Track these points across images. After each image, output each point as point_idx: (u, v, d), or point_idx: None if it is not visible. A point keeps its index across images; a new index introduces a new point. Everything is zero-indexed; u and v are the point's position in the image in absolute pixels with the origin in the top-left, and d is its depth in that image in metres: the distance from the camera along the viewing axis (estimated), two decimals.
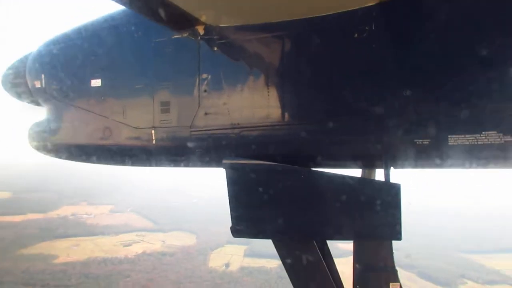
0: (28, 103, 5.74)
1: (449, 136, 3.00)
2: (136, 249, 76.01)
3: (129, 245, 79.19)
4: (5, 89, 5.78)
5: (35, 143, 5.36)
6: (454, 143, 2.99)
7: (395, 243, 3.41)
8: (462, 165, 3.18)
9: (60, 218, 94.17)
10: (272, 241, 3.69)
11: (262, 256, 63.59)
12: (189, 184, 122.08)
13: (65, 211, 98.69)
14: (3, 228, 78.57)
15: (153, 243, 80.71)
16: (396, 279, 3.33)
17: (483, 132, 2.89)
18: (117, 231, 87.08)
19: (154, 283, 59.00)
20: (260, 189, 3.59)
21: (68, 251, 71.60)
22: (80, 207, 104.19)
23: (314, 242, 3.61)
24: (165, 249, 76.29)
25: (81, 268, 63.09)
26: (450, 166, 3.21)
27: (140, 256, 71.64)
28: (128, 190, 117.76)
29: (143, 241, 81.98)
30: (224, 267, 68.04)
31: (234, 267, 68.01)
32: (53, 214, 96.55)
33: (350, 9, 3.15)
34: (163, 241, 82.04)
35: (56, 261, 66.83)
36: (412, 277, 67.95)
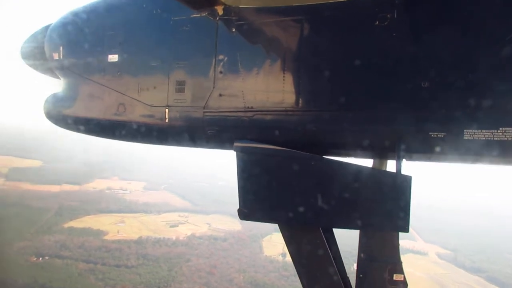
0: (46, 75, 5.64)
1: (465, 130, 2.92)
2: (184, 231, 73.41)
3: (176, 225, 76.81)
4: (24, 60, 5.70)
5: (50, 115, 5.29)
6: (470, 138, 2.91)
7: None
8: (477, 160, 3.13)
9: (97, 192, 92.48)
10: (279, 226, 3.63)
11: None
12: (213, 165, 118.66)
13: (99, 184, 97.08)
14: (46, 199, 76.56)
15: (199, 225, 78.05)
16: (400, 270, 3.25)
17: (500, 128, 2.81)
18: (159, 209, 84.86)
19: (218, 269, 55.85)
20: (270, 173, 3.57)
21: (117, 228, 69.26)
22: (112, 181, 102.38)
23: (320, 230, 3.52)
24: (214, 233, 73.48)
25: (136, 248, 60.41)
26: (464, 160, 3.20)
27: (192, 239, 68.74)
28: (156, 166, 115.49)
29: (187, 222, 79.57)
30: (281, 257, 64.85)
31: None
32: (88, 186, 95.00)
33: None
34: (208, 223, 79.34)
35: (107, 237, 64.64)
36: (481, 281, 64.28)
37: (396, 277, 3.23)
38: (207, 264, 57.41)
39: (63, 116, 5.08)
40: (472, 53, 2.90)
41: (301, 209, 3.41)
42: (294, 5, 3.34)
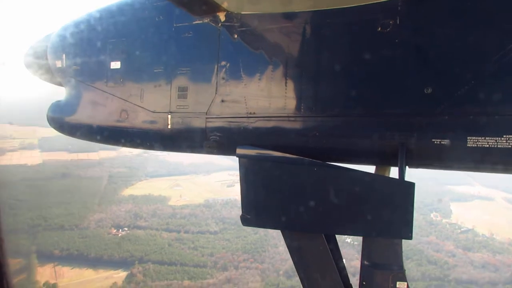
0: (50, 83, 5.73)
1: (468, 138, 2.89)
2: None
3: (232, 185, 73.36)
4: (27, 68, 5.79)
5: (54, 122, 5.32)
6: (473, 145, 2.87)
7: None
8: (480, 168, 3.15)
9: (136, 156, 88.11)
10: (281, 232, 3.64)
11: None
12: None
13: (132, 148, 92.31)
14: (91, 167, 72.80)
15: None
16: (403, 278, 3.23)
17: (504, 136, 2.77)
18: (207, 169, 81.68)
19: None
20: (272, 179, 3.59)
21: (177, 192, 66.11)
22: None
23: (323, 236, 3.52)
24: None
25: (210, 212, 57.54)
26: (467, 168, 3.21)
27: None
28: None
29: None
30: None
31: None
32: (124, 151, 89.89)
33: (374, 2, 3.04)
34: None
35: (172, 203, 61.54)
36: None
37: (400, 284, 3.19)
38: None
39: (66, 123, 5.12)
40: (476, 60, 2.86)
41: (304, 215, 3.40)
42: (296, 11, 3.34)
